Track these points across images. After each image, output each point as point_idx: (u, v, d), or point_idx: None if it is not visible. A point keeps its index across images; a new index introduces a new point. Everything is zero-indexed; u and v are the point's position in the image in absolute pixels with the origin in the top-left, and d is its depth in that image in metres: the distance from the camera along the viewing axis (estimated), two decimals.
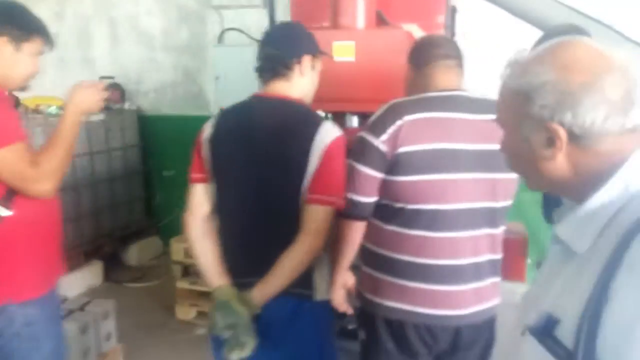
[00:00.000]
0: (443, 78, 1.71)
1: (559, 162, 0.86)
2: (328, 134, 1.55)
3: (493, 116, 1.64)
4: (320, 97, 2.34)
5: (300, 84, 1.62)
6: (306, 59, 1.59)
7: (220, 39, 4.61)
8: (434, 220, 1.62)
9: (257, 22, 4.53)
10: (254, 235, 1.58)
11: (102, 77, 4.62)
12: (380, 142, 1.60)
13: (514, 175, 1.70)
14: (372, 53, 2.28)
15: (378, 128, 1.61)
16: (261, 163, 1.54)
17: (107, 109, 4.23)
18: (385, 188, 1.64)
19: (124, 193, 4.68)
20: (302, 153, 1.51)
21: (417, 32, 2.39)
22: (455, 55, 1.75)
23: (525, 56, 0.89)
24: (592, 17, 2.37)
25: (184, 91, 4.97)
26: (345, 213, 1.67)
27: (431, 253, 1.65)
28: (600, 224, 0.82)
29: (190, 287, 3.60)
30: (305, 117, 1.58)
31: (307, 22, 2.75)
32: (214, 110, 4.69)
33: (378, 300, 1.72)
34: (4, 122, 1.60)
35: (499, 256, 1.74)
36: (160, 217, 4.98)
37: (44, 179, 1.64)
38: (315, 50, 1.62)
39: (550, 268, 0.95)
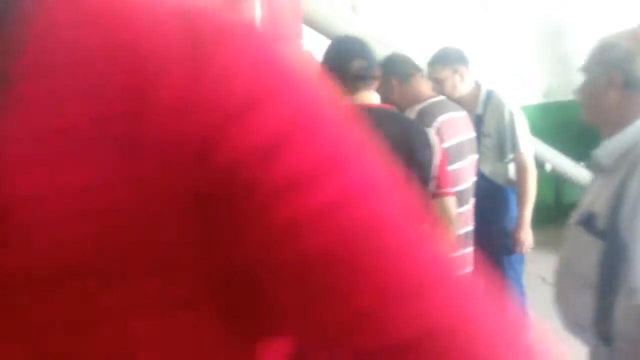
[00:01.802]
0: (426, 87, 2.15)
1: (610, 100, 1.31)
2: (432, 134, 1.80)
3: (464, 113, 2.12)
4: None
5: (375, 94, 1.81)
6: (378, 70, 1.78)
7: None
8: (461, 198, 2.02)
9: None
10: None
11: None
12: None
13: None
14: None
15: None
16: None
17: None
18: None
19: None
20: (431, 155, 1.70)
21: None
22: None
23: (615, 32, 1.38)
24: None
25: None
26: None
27: (457, 227, 2.03)
28: (623, 149, 1.27)
29: None
30: (414, 124, 1.83)
31: None
32: None
33: None
34: None
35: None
36: None
37: None
38: None
39: (590, 187, 1.42)
